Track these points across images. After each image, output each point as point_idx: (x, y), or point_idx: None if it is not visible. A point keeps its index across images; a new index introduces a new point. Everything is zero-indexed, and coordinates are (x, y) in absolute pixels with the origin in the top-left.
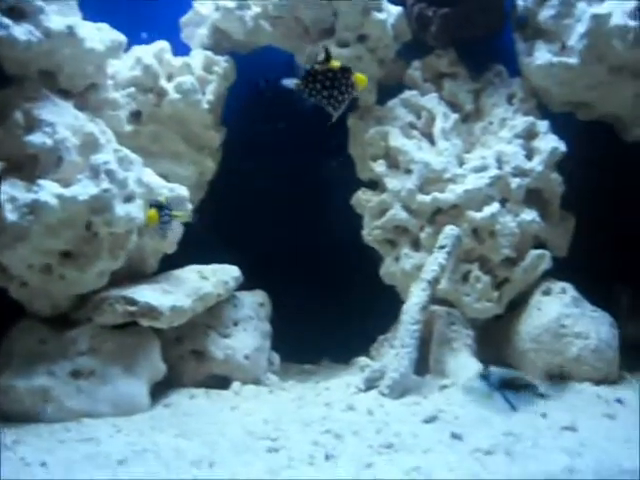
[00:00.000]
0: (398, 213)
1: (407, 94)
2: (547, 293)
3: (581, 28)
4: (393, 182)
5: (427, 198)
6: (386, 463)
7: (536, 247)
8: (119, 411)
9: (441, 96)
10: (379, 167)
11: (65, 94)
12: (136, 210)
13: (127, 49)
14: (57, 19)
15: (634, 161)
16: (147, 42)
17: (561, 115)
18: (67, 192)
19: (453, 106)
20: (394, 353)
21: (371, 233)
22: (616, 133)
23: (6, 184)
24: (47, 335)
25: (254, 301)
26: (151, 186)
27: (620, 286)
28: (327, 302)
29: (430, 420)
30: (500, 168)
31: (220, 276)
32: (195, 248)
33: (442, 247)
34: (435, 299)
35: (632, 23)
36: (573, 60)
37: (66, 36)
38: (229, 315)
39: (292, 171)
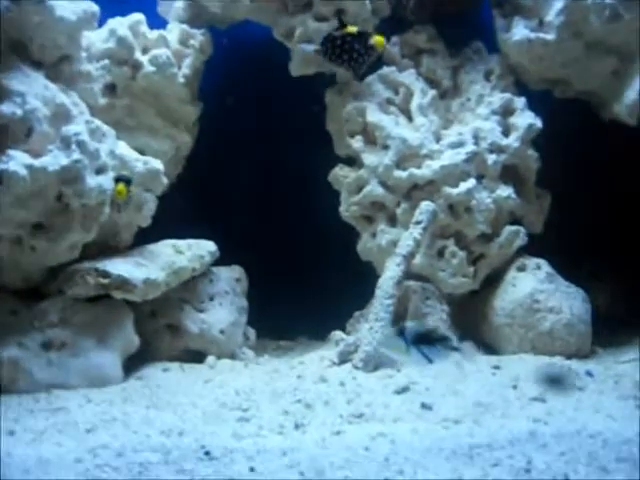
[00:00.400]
0: (375, 189)
1: (385, 70)
2: (522, 269)
3: (558, 4)
4: (370, 158)
5: (404, 174)
6: (355, 431)
7: (512, 223)
8: (91, 383)
9: (419, 72)
10: (356, 143)
11: (37, 65)
12: (108, 182)
13: (102, 23)
14: None
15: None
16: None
17: (539, 92)
18: (37, 162)
19: (431, 82)
20: (368, 327)
21: (348, 209)
22: (593, 110)
23: None
24: (18, 306)
25: (230, 276)
26: (124, 159)
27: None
28: (305, 279)
29: (401, 391)
30: (477, 144)
31: (196, 250)
32: (172, 223)
33: (418, 222)
34: (411, 274)
35: None
36: (550, 36)
37: (35, 3)
38: (205, 290)
39: (270, 148)
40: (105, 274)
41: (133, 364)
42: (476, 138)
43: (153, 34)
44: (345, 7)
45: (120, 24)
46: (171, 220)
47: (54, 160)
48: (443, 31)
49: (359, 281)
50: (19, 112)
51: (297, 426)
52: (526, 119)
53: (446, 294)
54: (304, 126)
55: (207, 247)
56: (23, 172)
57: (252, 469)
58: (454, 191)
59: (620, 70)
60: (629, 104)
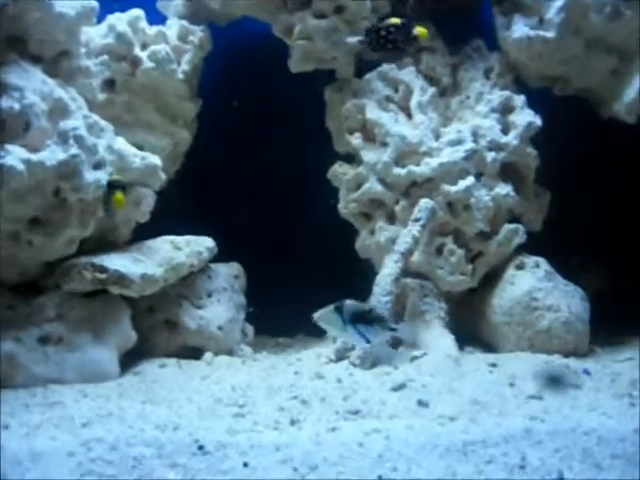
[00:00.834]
0: (373, 186)
1: (385, 67)
2: (520, 267)
3: (559, 2)
4: (369, 155)
5: (402, 171)
6: (350, 427)
7: (510, 221)
8: (87, 378)
9: (419, 70)
10: (355, 140)
11: (36, 60)
12: (105, 177)
13: (102, 19)
14: None
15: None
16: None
17: (538, 90)
18: (34, 157)
19: (431, 80)
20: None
21: (347, 206)
22: (592, 108)
23: None
24: (15, 301)
25: (229, 273)
26: (122, 154)
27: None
28: (303, 275)
29: (398, 388)
30: (476, 142)
31: (194, 247)
32: (171, 219)
33: (416, 220)
34: (409, 272)
35: None
36: (550, 34)
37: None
38: (203, 286)
39: (269, 145)
40: (102, 269)
41: (131, 360)
42: (475, 136)
43: (152, 30)
44: (344, 4)
45: (119, 20)
46: (170, 216)
47: (51, 155)
48: (443, 29)
49: (358, 278)
50: (17, 107)
51: (293, 422)
52: (525, 117)
53: (444, 292)
54: (303, 123)
55: (205, 243)
56: (20, 167)
57: (245, 464)
58: (453, 189)
59: (620, 68)
60: (628, 102)
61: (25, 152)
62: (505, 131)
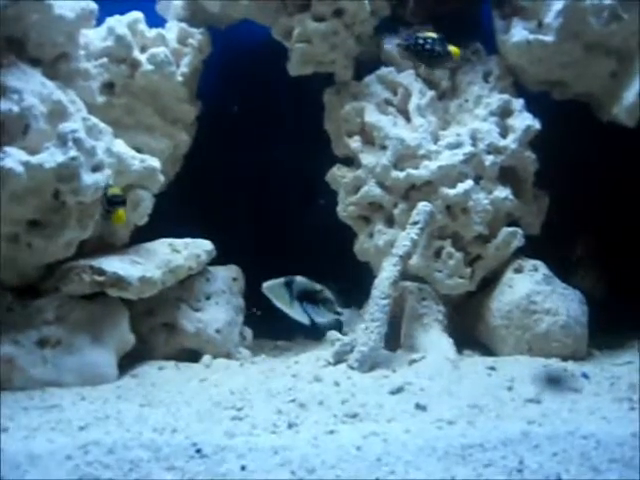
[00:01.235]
0: (372, 189)
1: (383, 70)
2: (519, 270)
3: (557, 6)
4: (368, 158)
5: (401, 174)
6: (348, 431)
7: (509, 225)
8: (85, 381)
9: (418, 73)
10: (354, 143)
11: (35, 63)
12: (105, 179)
13: (102, 22)
14: None
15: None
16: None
17: (537, 94)
18: (33, 159)
19: (429, 83)
20: (363, 327)
21: (346, 209)
22: (592, 112)
23: None
24: (13, 304)
25: (227, 275)
26: (121, 156)
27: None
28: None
29: (396, 391)
30: (474, 145)
31: (192, 249)
32: (170, 222)
33: (415, 223)
34: (408, 275)
35: (607, 1)
36: (549, 38)
37: (33, 1)
38: (201, 289)
39: (267, 148)
40: (100, 272)
41: (129, 363)
42: (474, 139)
43: (152, 32)
44: (344, 7)
45: (119, 22)
46: (168, 219)
47: (50, 157)
48: (442, 32)
49: (356, 281)
50: (16, 109)
51: (290, 425)
52: (524, 120)
53: (443, 295)
54: (302, 126)
55: (204, 246)
56: (19, 169)
57: (243, 467)
58: (451, 192)
59: (619, 72)
60: (628, 106)
61: (24, 154)
62: (504, 135)
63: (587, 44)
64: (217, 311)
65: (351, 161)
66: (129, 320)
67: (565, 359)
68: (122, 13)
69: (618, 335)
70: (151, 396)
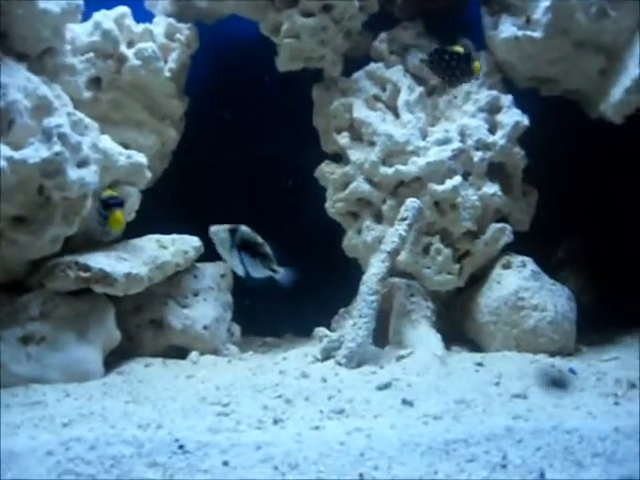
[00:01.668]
0: (361, 185)
1: (372, 66)
2: (507, 266)
3: (545, 2)
4: (356, 154)
5: (389, 170)
6: (333, 426)
7: (498, 221)
8: (71, 378)
9: (407, 69)
10: (343, 139)
11: (20, 57)
12: (90, 175)
13: (88, 17)
14: None
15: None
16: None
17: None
18: (17, 155)
19: (419, 79)
20: (351, 323)
21: (334, 206)
22: (581, 109)
23: None
24: None
25: (215, 272)
26: (107, 152)
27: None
28: (291, 276)
29: (383, 387)
30: (463, 141)
31: (180, 246)
32: (158, 218)
33: (403, 219)
34: (396, 271)
35: None
36: (537, 34)
37: None
38: (189, 285)
39: (256, 143)
40: (86, 268)
41: (116, 359)
42: (462, 135)
43: (139, 27)
44: (332, 3)
45: (105, 17)
46: (156, 215)
47: (35, 153)
48: (431, 28)
49: (346, 277)
50: (0, 104)
51: (276, 421)
52: (513, 117)
53: (431, 291)
54: (291, 122)
55: (191, 242)
56: (3, 164)
57: (225, 463)
58: (440, 188)
59: (607, 68)
60: (615, 103)
61: (8, 150)
62: (492, 131)
63: (576, 41)
64: (205, 308)
65: (340, 157)
66: (116, 316)
67: (553, 355)
68: (109, 8)
69: (606, 331)
70: (137, 392)
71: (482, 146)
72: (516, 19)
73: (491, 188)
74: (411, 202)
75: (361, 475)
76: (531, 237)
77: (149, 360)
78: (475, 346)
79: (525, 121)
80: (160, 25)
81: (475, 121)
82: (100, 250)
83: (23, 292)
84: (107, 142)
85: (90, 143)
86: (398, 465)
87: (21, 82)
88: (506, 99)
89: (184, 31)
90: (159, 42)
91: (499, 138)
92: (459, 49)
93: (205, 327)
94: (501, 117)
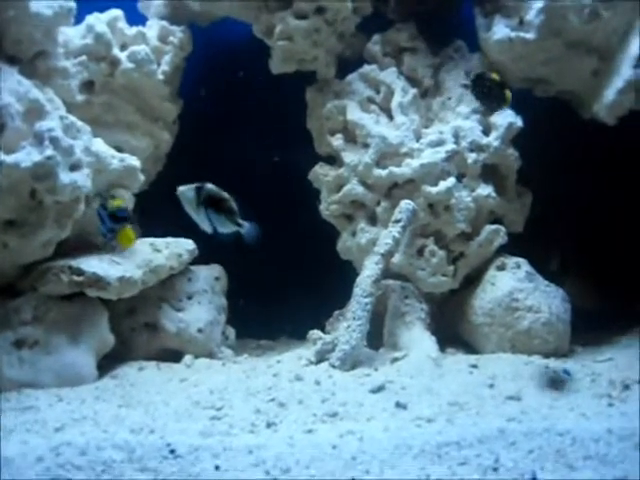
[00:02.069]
0: (355, 188)
1: (366, 68)
2: (501, 268)
3: (538, 3)
4: (350, 156)
5: (383, 172)
6: (326, 430)
7: (492, 222)
8: (64, 382)
9: (400, 71)
10: (336, 141)
11: (12, 60)
12: (83, 179)
13: (81, 20)
14: None
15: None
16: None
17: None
18: (9, 159)
19: (412, 81)
20: (345, 325)
21: (328, 208)
22: (573, 110)
23: None
24: None
25: (209, 275)
26: (100, 155)
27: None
28: (286, 277)
29: (377, 390)
30: (457, 143)
31: (174, 249)
32: (153, 221)
33: (397, 221)
34: (390, 273)
35: None
36: (530, 35)
37: None
38: (183, 288)
39: (249, 146)
40: (79, 272)
41: (109, 363)
42: (456, 137)
43: (131, 30)
44: (326, 4)
45: (98, 20)
46: (150, 218)
47: (27, 156)
48: (424, 30)
49: (341, 280)
50: None
51: (269, 425)
52: (506, 118)
53: (425, 293)
54: (284, 124)
55: (185, 245)
56: None
57: (217, 467)
58: (434, 190)
59: (600, 70)
60: (608, 104)
61: (0, 154)
62: (486, 132)
63: (568, 42)
64: (199, 311)
65: (333, 159)
66: (109, 320)
67: (547, 356)
68: (102, 11)
69: (601, 332)
70: (129, 396)
71: (476, 147)
72: (509, 20)
73: (485, 189)
74: (405, 204)
75: (353, 478)
76: (525, 238)
77: (143, 364)
78: (470, 348)
79: (519, 122)
80: (153, 28)
81: (469, 123)
82: (93, 254)
83: (16, 296)
84: (100, 145)
85: (82, 146)
86: (390, 469)
87: (13, 86)
88: None
89: (177, 34)
90: (152, 45)
91: (493, 139)
92: (495, 76)
93: (199, 330)
94: (495, 118)
